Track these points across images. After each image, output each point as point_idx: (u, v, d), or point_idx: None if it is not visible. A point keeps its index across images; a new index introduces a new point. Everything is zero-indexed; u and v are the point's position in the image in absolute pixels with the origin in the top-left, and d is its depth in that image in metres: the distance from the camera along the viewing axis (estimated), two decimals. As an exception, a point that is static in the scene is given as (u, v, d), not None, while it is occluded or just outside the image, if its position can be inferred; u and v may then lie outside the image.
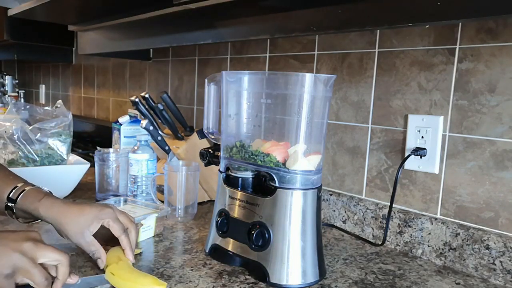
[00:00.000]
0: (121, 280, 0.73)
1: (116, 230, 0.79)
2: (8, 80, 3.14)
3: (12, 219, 0.82)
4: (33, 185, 0.83)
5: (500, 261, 0.83)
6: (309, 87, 0.77)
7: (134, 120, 1.46)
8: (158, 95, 1.31)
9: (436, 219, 0.93)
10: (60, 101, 1.37)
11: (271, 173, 0.79)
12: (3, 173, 0.85)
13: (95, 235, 0.78)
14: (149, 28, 1.41)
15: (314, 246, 0.79)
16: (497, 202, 0.85)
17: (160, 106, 1.28)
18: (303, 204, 0.78)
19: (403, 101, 0.99)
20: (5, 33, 2.21)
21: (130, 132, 1.46)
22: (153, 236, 0.98)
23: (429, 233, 0.93)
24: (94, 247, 0.77)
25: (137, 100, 1.25)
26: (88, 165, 1.27)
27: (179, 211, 1.09)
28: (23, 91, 3.12)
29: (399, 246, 0.98)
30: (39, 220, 0.81)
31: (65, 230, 0.77)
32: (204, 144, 1.21)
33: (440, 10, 0.72)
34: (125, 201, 1.07)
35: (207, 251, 0.89)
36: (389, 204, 0.98)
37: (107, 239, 0.81)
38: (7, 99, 3.05)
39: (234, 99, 0.87)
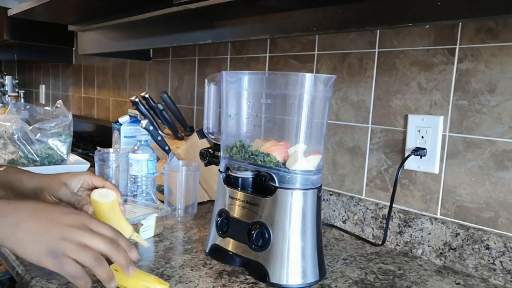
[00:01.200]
0: (125, 276, 0.73)
1: (97, 181, 0.82)
2: (8, 80, 3.13)
3: None
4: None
5: (500, 261, 0.83)
6: (309, 87, 0.77)
7: (134, 120, 1.46)
8: (158, 95, 1.31)
9: (436, 219, 0.93)
10: (60, 101, 1.38)
11: (271, 173, 0.79)
12: None
13: None
14: (149, 28, 1.41)
15: (314, 246, 0.79)
16: (497, 202, 0.85)
17: (160, 106, 1.28)
18: (303, 204, 0.78)
19: (403, 101, 0.99)
20: (5, 33, 2.21)
21: (130, 132, 1.46)
22: (153, 236, 0.98)
23: (429, 233, 0.93)
24: (78, 196, 0.80)
25: (137, 100, 1.25)
26: (88, 165, 1.27)
27: (179, 211, 1.09)
28: (23, 91, 3.12)
29: (399, 246, 0.98)
30: None
31: (49, 186, 0.79)
32: (204, 144, 1.21)
33: (440, 10, 0.72)
34: (125, 201, 1.07)
35: (207, 251, 0.89)
36: (389, 204, 0.98)
37: None
38: (7, 99, 3.05)
39: (234, 99, 0.87)
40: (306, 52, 1.18)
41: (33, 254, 0.58)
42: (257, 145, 0.82)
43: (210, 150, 1.00)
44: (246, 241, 0.80)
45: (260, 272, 0.78)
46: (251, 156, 0.81)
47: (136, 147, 1.19)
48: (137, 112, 1.38)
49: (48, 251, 0.57)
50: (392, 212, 0.99)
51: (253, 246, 0.79)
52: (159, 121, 1.32)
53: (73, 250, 0.57)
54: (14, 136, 1.19)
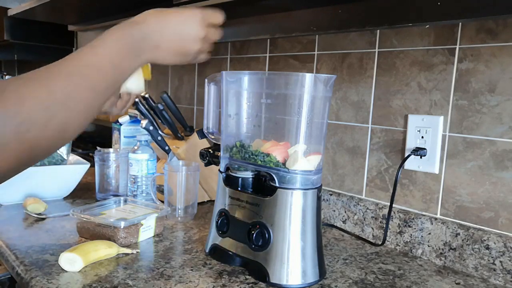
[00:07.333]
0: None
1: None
2: (8, 80, 3.13)
3: None
4: None
5: (500, 261, 0.83)
6: (309, 87, 0.77)
7: (134, 120, 1.46)
8: (158, 95, 1.31)
9: (436, 219, 0.93)
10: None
11: (271, 173, 0.79)
12: None
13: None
14: (149, 28, 1.40)
15: (314, 246, 0.79)
16: (497, 202, 0.85)
17: (160, 106, 1.28)
18: (303, 204, 0.78)
19: (403, 101, 0.99)
20: (5, 33, 2.21)
21: (130, 132, 1.46)
22: (153, 236, 0.98)
23: (429, 233, 0.93)
24: None
25: (137, 100, 1.25)
26: (88, 165, 1.27)
27: (179, 211, 1.09)
28: (23, 91, 3.11)
29: (399, 246, 0.98)
30: None
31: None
32: (204, 144, 1.21)
33: (440, 10, 0.72)
34: (125, 201, 1.07)
35: (207, 251, 0.89)
36: (389, 204, 0.98)
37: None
38: (7, 99, 3.04)
39: (234, 99, 0.87)
40: (306, 52, 1.18)
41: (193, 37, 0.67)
42: (257, 145, 0.82)
43: (210, 150, 1.00)
44: (246, 241, 0.80)
45: (260, 272, 0.78)
46: (251, 156, 0.81)
47: (136, 147, 1.19)
48: (137, 112, 1.38)
49: (200, 39, 0.67)
50: (392, 212, 0.99)
51: (253, 246, 0.79)
52: (159, 121, 1.32)
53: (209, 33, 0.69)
54: (14, 136, 1.19)
